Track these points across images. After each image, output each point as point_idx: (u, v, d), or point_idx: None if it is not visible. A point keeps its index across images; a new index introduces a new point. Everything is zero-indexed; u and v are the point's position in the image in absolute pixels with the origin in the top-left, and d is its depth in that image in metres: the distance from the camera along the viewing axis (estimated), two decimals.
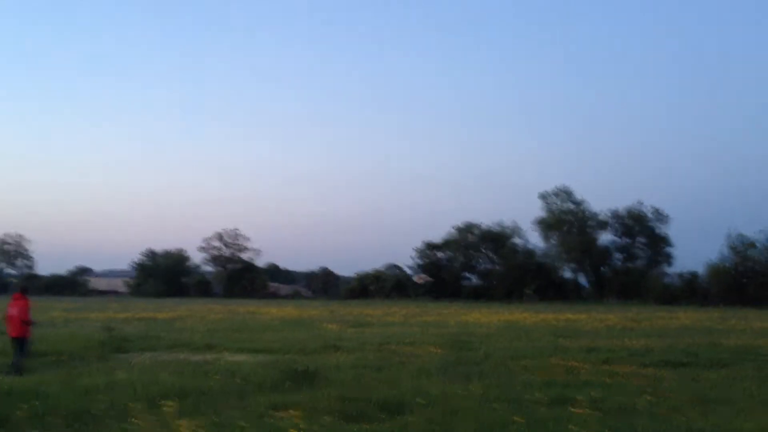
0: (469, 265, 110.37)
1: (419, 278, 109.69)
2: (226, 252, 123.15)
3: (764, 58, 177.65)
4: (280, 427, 8.75)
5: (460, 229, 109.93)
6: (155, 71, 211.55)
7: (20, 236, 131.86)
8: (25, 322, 16.23)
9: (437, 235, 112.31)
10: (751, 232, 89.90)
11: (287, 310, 54.98)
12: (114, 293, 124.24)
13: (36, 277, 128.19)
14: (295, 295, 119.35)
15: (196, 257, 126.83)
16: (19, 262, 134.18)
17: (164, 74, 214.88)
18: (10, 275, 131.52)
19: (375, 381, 13.32)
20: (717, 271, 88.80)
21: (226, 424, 9.04)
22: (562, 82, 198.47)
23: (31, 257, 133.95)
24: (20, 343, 16.25)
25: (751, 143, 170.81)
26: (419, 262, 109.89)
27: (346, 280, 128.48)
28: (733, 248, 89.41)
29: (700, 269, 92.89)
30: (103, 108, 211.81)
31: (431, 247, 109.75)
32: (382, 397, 11.41)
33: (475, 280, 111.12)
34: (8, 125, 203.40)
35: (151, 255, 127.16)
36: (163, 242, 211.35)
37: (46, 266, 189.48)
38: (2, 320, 16.43)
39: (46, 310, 44.96)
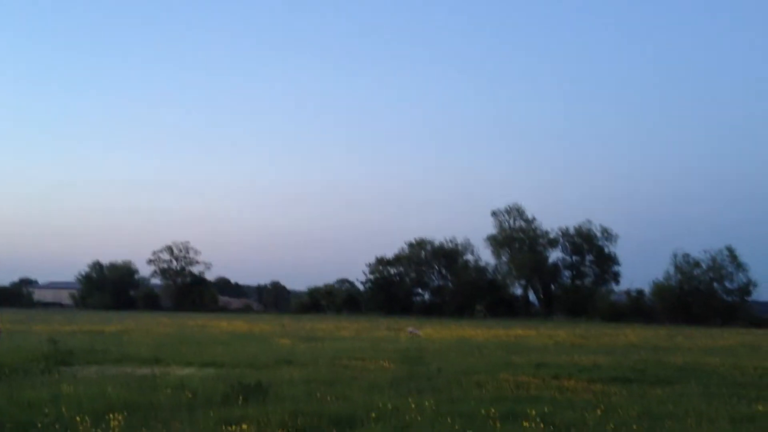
0: (421, 281, 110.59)
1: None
2: (176, 265, 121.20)
3: (710, 86, 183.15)
4: None
5: (412, 245, 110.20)
6: (102, 84, 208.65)
7: None
8: None
9: (389, 251, 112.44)
10: (696, 252, 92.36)
11: (237, 324, 54.33)
12: (59, 305, 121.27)
13: None
14: (245, 309, 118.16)
15: (145, 270, 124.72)
16: None
17: (113, 87, 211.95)
18: None
19: (327, 396, 13.22)
20: (662, 290, 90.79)
21: None
22: (516, 102, 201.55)
23: None
24: None
25: (698, 164, 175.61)
26: (370, 277, 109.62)
27: (298, 295, 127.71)
28: (678, 268, 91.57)
29: (646, 288, 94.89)
30: (50, 119, 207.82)
31: (383, 262, 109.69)
32: (334, 411, 11.34)
33: (427, 296, 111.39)
34: None
35: (98, 267, 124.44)
36: (111, 254, 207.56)
37: None
38: None
39: None
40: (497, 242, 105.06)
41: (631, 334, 47.79)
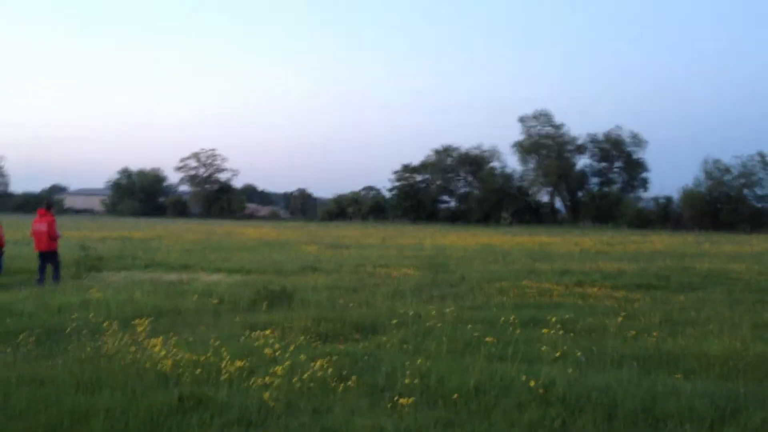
0: (447, 189, 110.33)
1: None
2: (204, 172, 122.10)
3: None
4: (254, 347, 8.77)
5: (438, 152, 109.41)
6: None
7: None
8: (53, 238, 16.78)
9: (415, 158, 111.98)
10: (727, 157, 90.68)
11: (264, 230, 55.02)
12: (90, 212, 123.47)
13: (10, 195, 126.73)
14: (272, 216, 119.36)
15: (173, 177, 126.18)
16: None
17: None
18: None
19: (350, 302, 13.40)
20: (691, 196, 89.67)
21: (200, 342, 9.05)
22: (541, 5, 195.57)
23: (5, 174, 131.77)
24: (48, 257, 16.92)
25: (729, 70, 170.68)
26: (396, 184, 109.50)
27: (324, 202, 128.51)
28: (708, 173, 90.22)
29: (675, 194, 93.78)
30: (78, 27, 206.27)
31: (409, 169, 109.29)
32: (356, 317, 11.51)
33: (452, 203, 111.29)
34: None
35: (127, 174, 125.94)
36: (140, 161, 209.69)
37: (20, 184, 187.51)
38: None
39: (21, 228, 44.56)
40: (524, 148, 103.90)
41: (658, 241, 47.64)
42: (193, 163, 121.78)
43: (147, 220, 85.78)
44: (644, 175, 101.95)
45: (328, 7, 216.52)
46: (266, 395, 6.73)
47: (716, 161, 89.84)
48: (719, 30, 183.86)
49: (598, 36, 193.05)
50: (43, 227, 16.89)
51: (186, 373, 7.59)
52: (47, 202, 18.17)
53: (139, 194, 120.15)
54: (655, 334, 10.29)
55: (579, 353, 8.60)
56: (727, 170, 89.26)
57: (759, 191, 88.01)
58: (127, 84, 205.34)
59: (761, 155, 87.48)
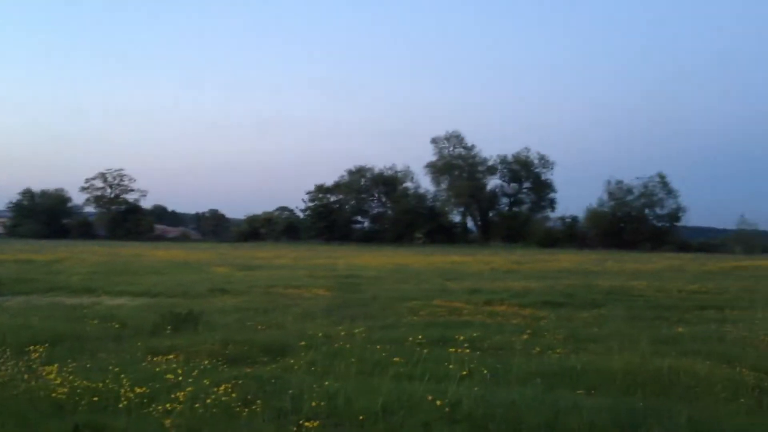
0: (361, 209, 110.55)
1: None
2: (110, 193, 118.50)
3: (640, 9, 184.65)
4: (156, 372, 8.48)
5: (351, 173, 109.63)
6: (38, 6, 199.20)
7: None
8: None
9: (329, 179, 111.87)
10: (629, 178, 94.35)
11: (174, 252, 53.69)
12: None
13: None
14: (183, 238, 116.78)
15: (78, 198, 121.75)
16: None
17: (52, 11, 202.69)
18: None
19: (259, 324, 13.18)
20: (596, 216, 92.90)
21: (99, 369, 8.69)
22: (454, 28, 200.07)
23: None
24: None
25: (631, 93, 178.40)
26: (310, 204, 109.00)
27: (237, 223, 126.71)
28: (611, 194, 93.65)
29: (581, 214, 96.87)
30: None
31: (323, 189, 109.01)
32: (265, 339, 11.31)
33: (366, 223, 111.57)
34: None
35: (29, 195, 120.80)
36: (43, 182, 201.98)
37: None
38: None
39: None
40: (437, 169, 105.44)
41: (565, 259, 48.97)
42: (99, 183, 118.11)
43: (50, 242, 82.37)
44: (551, 195, 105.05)
45: (244, 29, 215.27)
46: (167, 422, 6.52)
47: (618, 182, 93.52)
48: (621, 54, 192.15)
49: (509, 58, 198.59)
50: None
51: (83, 401, 7.27)
52: None
53: (42, 215, 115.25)
54: (558, 350, 10.53)
55: (485, 371, 8.69)
56: (629, 191, 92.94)
57: (659, 211, 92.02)
58: (31, 100, 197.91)
59: (660, 176, 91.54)
